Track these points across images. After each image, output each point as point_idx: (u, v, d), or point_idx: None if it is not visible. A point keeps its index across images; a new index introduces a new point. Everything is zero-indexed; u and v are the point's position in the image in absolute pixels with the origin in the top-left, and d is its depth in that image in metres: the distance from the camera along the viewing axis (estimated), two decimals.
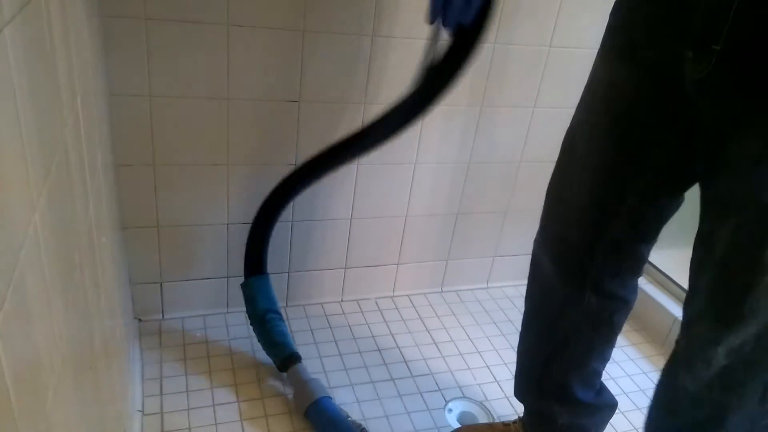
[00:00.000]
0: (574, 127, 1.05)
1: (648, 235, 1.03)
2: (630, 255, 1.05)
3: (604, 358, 1.19)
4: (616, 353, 1.74)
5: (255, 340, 1.60)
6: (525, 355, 1.25)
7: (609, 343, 1.17)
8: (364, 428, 1.36)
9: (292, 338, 1.49)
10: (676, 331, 1.73)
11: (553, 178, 1.10)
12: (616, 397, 1.26)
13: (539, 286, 1.17)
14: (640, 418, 1.52)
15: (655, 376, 1.65)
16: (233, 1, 1.30)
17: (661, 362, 1.71)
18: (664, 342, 1.80)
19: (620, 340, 1.79)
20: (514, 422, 1.35)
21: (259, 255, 1.47)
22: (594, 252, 1.03)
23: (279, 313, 1.47)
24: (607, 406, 1.24)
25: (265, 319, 1.45)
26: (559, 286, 1.10)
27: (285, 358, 1.43)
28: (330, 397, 1.38)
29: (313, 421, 1.34)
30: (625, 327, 1.86)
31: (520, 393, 1.30)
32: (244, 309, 1.67)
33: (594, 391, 1.21)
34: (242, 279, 1.68)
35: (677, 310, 1.80)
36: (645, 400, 1.58)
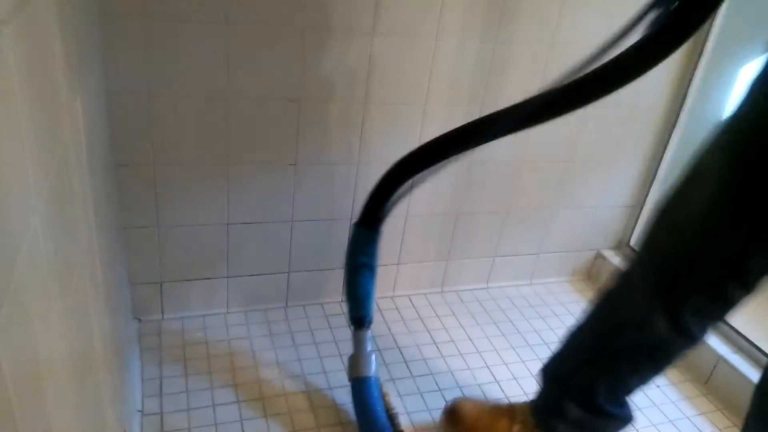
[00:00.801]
0: (708, 152, 1.01)
1: (753, 286, 1.01)
2: (725, 298, 1.03)
3: (643, 381, 1.17)
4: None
5: (255, 340, 1.60)
6: (571, 347, 1.24)
7: (655, 371, 1.15)
8: (396, 413, 1.33)
9: (373, 301, 1.40)
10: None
11: (672, 199, 1.06)
12: None
13: (621, 293, 1.15)
14: None
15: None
16: (233, 1, 1.30)
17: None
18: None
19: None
20: (522, 404, 1.34)
21: (378, 210, 1.37)
22: (692, 283, 1.02)
23: (373, 272, 1.39)
24: (622, 418, 1.22)
25: (358, 271, 1.37)
26: (641, 302, 1.08)
27: (356, 318, 1.37)
28: (375, 378, 1.34)
29: (352, 395, 1.35)
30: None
31: (547, 375, 1.28)
32: (244, 309, 1.69)
33: (617, 404, 1.19)
34: (242, 278, 1.68)
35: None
36: None
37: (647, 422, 1.51)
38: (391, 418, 1.33)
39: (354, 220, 1.42)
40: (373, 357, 1.36)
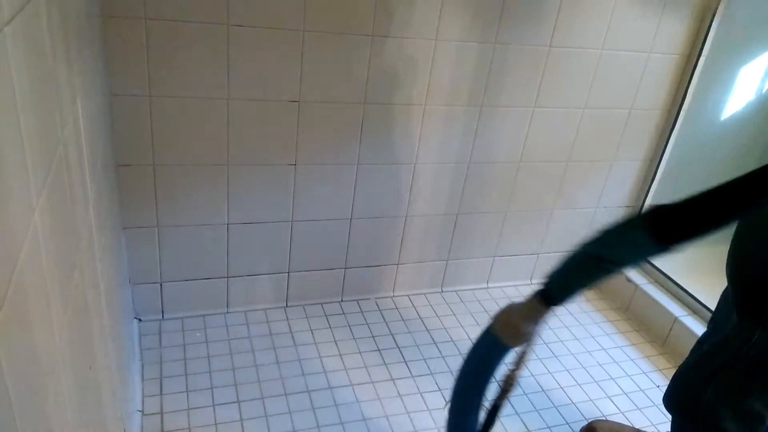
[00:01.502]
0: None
1: None
2: None
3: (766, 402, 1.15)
4: (616, 353, 1.74)
5: (255, 339, 1.60)
6: (687, 367, 1.23)
7: None
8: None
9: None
10: (676, 331, 1.75)
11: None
12: (616, 398, 1.26)
13: (720, 311, 1.18)
14: (640, 418, 1.52)
15: (655, 376, 1.67)
16: (234, 1, 1.30)
17: (661, 362, 1.73)
18: (665, 342, 1.80)
19: (620, 339, 1.81)
20: None
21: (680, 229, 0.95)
22: None
23: (612, 272, 1.06)
24: None
25: (597, 264, 1.04)
26: (737, 314, 1.10)
27: (547, 295, 1.08)
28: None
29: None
30: (625, 327, 1.87)
31: (674, 403, 1.27)
32: (244, 309, 1.69)
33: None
34: (242, 278, 1.68)
35: (677, 310, 1.81)
36: (645, 400, 1.58)
37: (607, 375, 1.55)
38: None
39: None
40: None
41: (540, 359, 1.68)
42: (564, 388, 1.58)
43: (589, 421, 1.46)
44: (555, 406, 1.52)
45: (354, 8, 1.40)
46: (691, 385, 1.19)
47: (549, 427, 1.46)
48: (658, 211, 0.92)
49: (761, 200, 0.85)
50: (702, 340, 1.23)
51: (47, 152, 0.58)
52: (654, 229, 0.90)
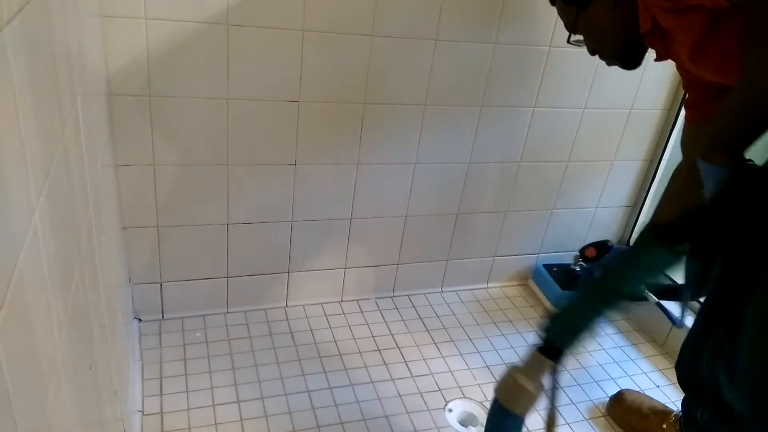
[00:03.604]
0: None
1: None
2: None
3: None
4: (616, 353, 1.74)
5: (255, 339, 1.60)
6: (686, 340, 1.26)
7: None
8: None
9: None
10: (676, 331, 1.75)
11: None
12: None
13: None
14: None
15: (655, 377, 1.67)
16: (234, 1, 1.30)
17: (662, 362, 1.73)
18: (665, 342, 1.80)
19: (620, 339, 1.81)
20: (677, 412, 1.39)
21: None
22: None
23: (624, 306, 1.18)
24: None
25: (611, 300, 1.09)
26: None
27: (551, 347, 1.09)
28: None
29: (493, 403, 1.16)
30: (625, 327, 1.87)
31: (679, 377, 1.31)
32: (244, 308, 1.68)
33: None
34: (242, 278, 1.68)
35: (677, 310, 1.79)
36: None
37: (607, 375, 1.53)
38: None
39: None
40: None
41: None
42: (564, 389, 1.58)
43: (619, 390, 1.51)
44: (554, 407, 1.52)
45: (354, 8, 1.40)
46: (690, 357, 1.20)
47: None
48: (661, 227, 0.95)
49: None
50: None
51: (47, 152, 0.58)
52: (666, 243, 0.96)
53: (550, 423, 1.13)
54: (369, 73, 1.49)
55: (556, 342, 1.08)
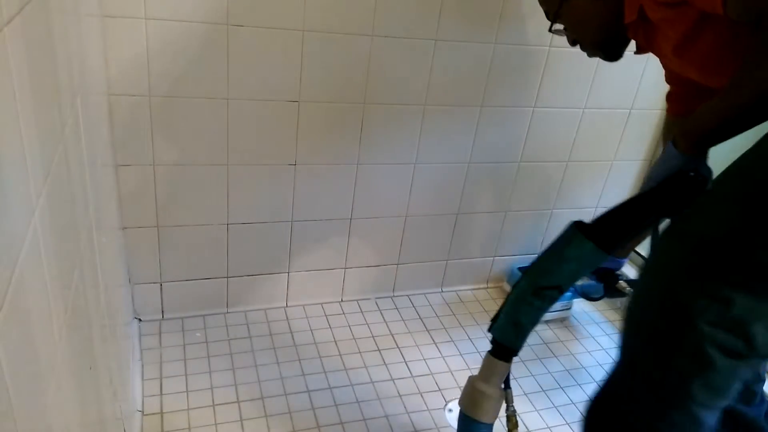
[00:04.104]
0: None
1: None
2: None
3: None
4: (604, 340, 1.73)
5: (255, 339, 1.60)
6: None
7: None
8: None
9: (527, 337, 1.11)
10: None
11: None
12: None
13: None
14: None
15: None
16: (233, 1, 1.30)
17: None
18: None
19: (609, 327, 1.80)
20: None
21: (614, 231, 1.00)
22: None
23: (557, 297, 1.06)
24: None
25: (541, 293, 1.04)
26: None
27: (501, 348, 1.09)
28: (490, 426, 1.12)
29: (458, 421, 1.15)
30: (616, 317, 1.87)
31: None
32: (244, 308, 1.68)
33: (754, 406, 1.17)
34: (242, 278, 1.68)
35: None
36: None
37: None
38: None
39: None
40: (496, 403, 1.10)
41: (540, 359, 1.68)
42: (564, 389, 1.58)
43: None
44: (555, 406, 1.52)
45: (354, 8, 1.40)
46: None
47: (549, 428, 1.46)
48: (586, 224, 1.00)
49: (672, 205, 0.94)
50: None
51: (47, 152, 0.58)
52: (594, 238, 0.98)
53: (512, 425, 1.14)
54: (369, 73, 1.49)
55: (505, 342, 1.08)
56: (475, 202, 1.80)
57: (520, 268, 1.91)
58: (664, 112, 1.85)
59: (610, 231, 0.99)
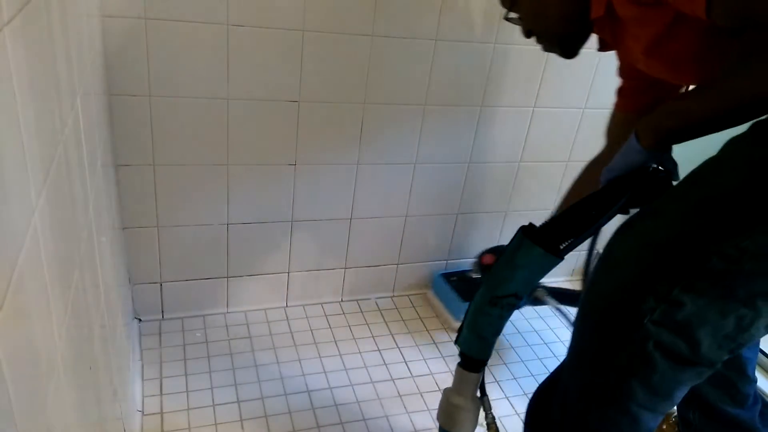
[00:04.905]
0: None
1: None
2: None
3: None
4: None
5: (255, 339, 1.60)
6: None
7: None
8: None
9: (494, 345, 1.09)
10: None
11: None
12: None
13: None
14: None
15: None
16: (233, 1, 1.30)
17: None
18: None
19: None
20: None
21: (562, 234, 0.99)
22: None
23: (517, 304, 1.03)
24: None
25: (498, 302, 1.01)
26: None
27: (469, 360, 1.07)
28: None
29: None
30: None
31: None
32: (245, 308, 1.68)
33: (744, 407, 1.17)
34: (242, 278, 1.68)
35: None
36: None
37: None
38: None
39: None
40: (472, 416, 1.09)
41: (540, 359, 1.68)
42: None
43: None
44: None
45: (354, 8, 1.40)
46: None
47: None
48: (535, 228, 0.98)
49: (618, 206, 0.94)
50: None
51: (47, 152, 0.58)
52: (542, 243, 0.96)
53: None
54: (369, 73, 1.49)
55: (471, 353, 1.06)
56: (475, 202, 1.80)
57: (443, 274, 1.84)
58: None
59: (559, 234, 0.97)
